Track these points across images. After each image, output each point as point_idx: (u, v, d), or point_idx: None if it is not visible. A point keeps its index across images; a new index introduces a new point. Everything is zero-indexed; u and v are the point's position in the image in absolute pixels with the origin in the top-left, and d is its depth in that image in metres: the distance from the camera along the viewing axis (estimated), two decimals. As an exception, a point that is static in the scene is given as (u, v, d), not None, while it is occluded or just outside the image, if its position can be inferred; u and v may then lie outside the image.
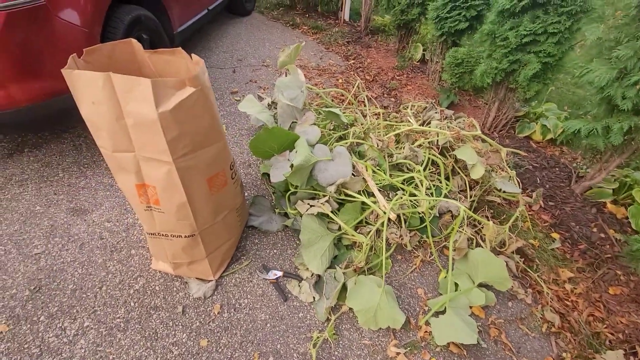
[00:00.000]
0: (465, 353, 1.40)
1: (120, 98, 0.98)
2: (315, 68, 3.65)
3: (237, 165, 1.44)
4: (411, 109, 2.15)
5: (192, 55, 1.14)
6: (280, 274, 1.58)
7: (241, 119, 2.66)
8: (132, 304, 1.41)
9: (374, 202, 1.59)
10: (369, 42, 4.34)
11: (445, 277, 1.62)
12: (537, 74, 2.15)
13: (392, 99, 3.20)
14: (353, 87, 3.26)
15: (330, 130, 2.03)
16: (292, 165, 1.45)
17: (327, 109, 1.85)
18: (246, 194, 2.00)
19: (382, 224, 1.53)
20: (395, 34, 3.87)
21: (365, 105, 2.19)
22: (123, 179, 1.18)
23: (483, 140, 1.88)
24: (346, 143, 1.78)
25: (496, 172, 1.83)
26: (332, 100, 2.73)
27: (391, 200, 1.60)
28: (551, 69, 2.14)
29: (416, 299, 1.58)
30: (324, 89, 3.15)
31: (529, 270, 1.72)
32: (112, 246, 1.62)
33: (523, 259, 1.75)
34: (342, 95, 2.99)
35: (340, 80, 3.41)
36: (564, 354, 1.44)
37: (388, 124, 2.03)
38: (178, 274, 1.50)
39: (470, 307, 1.54)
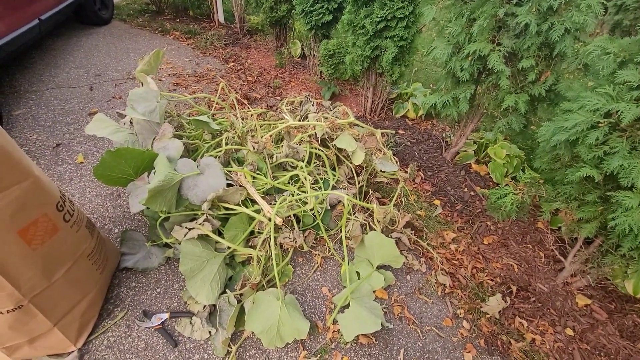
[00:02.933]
0: (374, 340, 1.39)
1: None
2: (192, 75, 3.36)
3: (72, 203, 1.16)
4: (287, 105, 2.09)
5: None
6: (165, 316, 1.35)
7: (104, 144, 2.26)
8: None
9: (258, 211, 1.48)
10: (248, 43, 4.20)
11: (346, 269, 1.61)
12: (396, 57, 2.30)
13: (278, 98, 3.13)
14: (239, 91, 3.09)
15: (205, 141, 1.84)
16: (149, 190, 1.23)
17: (193, 118, 1.66)
18: (117, 230, 1.68)
19: (271, 230, 1.42)
20: (271, 32, 3.81)
21: (235, 109, 2.05)
22: None
23: (359, 126, 1.93)
24: (220, 151, 1.62)
25: (375, 154, 1.89)
26: (210, 108, 2.52)
27: (276, 204, 1.50)
28: (407, 51, 2.32)
29: (322, 299, 1.53)
30: (193, 95, 2.91)
31: (419, 240, 1.82)
32: None
33: (413, 231, 1.85)
34: (224, 100, 2.80)
35: (220, 85, 3.20)
36: (458, 311, 1.56)
37: (266, 123, 1.93)
38: (19, 359, 1.15)
39: (374, 292, 1.55)
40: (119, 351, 1.25)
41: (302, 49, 3.84)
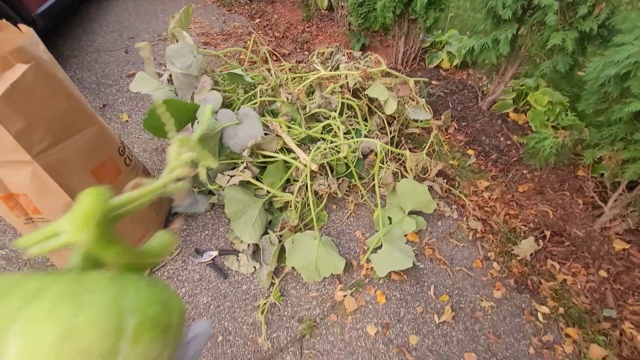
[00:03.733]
0: (405, 277, 1.48)
1: None
2: (220, 33, 3.36)
3: (130, 150, 1.28)
4: (318, 57, 2.07)
5: (20, 25, 0.93)
6: (215, 253, 1.51)
7: (145, 103, 2.39)
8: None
9: (294, 158, 1.55)
10: (273, -3, 4.07)
11: (379, 214, 1.68)
12: (431, 1, 2.17)
13: (306, 53, 3.08)
14: (250, 43, 3.07)
15: (239, 95, 1.90)
16: (195, 138, 1.33)
17: (228, 72, 1.71)
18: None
19: (308, 177, 1.50)
20: (297, -16, 3.67)
21: (268, 62, 2.07)
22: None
23: (391, 75, 1.89)
24: (255, 103, 1.68)
25: (408, 103, 1.87)
26: (241, 64, 2.54)
27: (311, 152, 1.56)
28: (443, -6, 2.17)
29: (355, 241, 1.62)
30: (232, 54, 2.93)
31: (451, 188, 1.84)
32: (16, 273, 1.40)
33: (445, 180, 1.86)
34: (251, 58, 2.80)
35: (248, 42, 3.18)
36: (489, 254, 1.60)
37: (297, 76, 1.94)
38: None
39: (406, 235, 1.62)
40: (178, 281, 1.43)
41: (329, 0, 3.68)
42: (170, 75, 2.09)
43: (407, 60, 2.73)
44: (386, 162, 1.78)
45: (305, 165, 1.49)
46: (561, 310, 1.39)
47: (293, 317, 1.34)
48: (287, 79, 1.88)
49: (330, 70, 1.94)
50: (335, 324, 1.33)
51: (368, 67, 1.86)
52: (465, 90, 2.51)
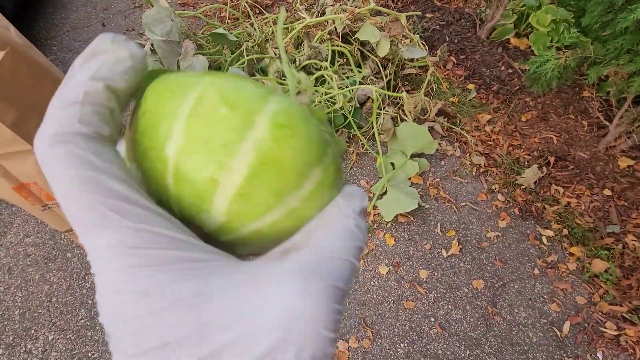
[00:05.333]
0: (412, 219, 1.53)
1: None
2: (196, -9, 3.14)
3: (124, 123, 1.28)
4: (301, 4, 1.95)
5: (-14, 11, 0.89)
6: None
7: (132, 78, 2.33)
8: (90, 301, 1.37)
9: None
10: (246, -59, 3.72)
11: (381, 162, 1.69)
12: None
13: (290, 1, 2.88)
14: (248, 3, 2.88)
15: (225, 56, 1.83)
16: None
17: (210, 32, 1.63)
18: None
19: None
20: None
21: (250, 17, 1.96)
22: (-4, 188, 1.02)
23: (381, 13, 1.78)
24: (243, 63, 1.62)
25: (402, 42, 1.78)
26: (222, 22, 2.41)
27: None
28: None
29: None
30: (212, 12, 2.77)
31: (453, 127, 1.81)
32: (44, 258, 1.50)
33: (446, 119, 1.83)
34: (233, 15, 2.65)
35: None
36: (493, 187, 1.62)
37: (282, 27, 1.85)
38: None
39: (409, 179, 1.65)
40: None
41: None
42: (152, 45, 2.02)
43: (397, -6, 2.54)
44: (384, 108, 1.75)
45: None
46: (565, 231, 1.44)
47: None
48: (272, 32, 1.79)
49: (317, 17, 1.83)
50: (349, 268, 1.41)
51: (356, 7, 1.75)
52: (463, 20, 2.36)
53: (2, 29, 0.82)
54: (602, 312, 1.27)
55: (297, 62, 1.65)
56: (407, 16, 1.75)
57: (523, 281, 1.34)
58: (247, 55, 1.65)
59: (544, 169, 1.59)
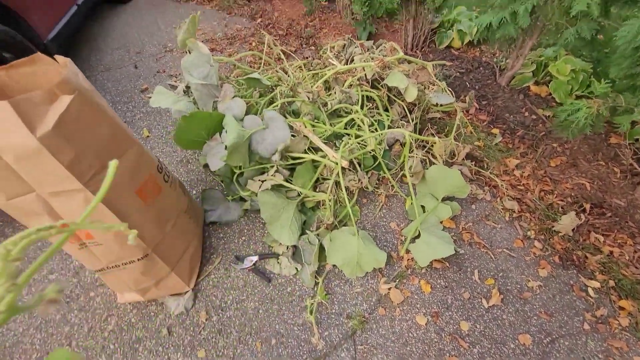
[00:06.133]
0: (448, 264, 1.48)
1: (-18, 135, 0.79)
2: (224, 37, 3.35)
3: (166, 166, 1.29)
4: (331, 51, 2.05)
5: (56, 56, 0.94)
6: (255, 258, 1.52)
7: (162, 117, 2.41)
8: (112, 346, 1.29)
9: (323, 156, 1.55)
10: (271, -5, 4.03)
11: (412, 203, 1.67)
12: (440, -20, 2.12)
13: (312, 48, 3.05)
14: (264, 46, 3.06)
15: (257, 98, 1.89)
16: (226, 146, 1.34)
17: (246, 77, 1.70)
18: (194, 191, 1.86)
19: (338, 174, 1.50)
20: (294, -22, 3.61)
21: (283, 62, 2.06)
22: (36, 224, 1.01)
23: (408, 62, 1.86)
24: (276, 106, 1.67)
25: (428, 88, 1.84)
26: (251, 67, 2.54)
27: (339, 148, 1.56)
28: (451, -29, 2.11)
29: (392, 233, 1.62)
30: (240, 58, 2.92)
31: (481, 170, 1.81)
32: (66, 297, 1.45)
33: (474, 162, 1.84)
34: (261, 59, 2.80)
35: (253, 44, 3.17)
36: (528, 233, 1.58)
37: (313, 73, 1.93)
38: (150, 299, 1.39)
39: (441, 222, 1.61)
40: (224, 289, 1.45)
41: (328, -10, 3.63)
42: (187, 87, 2.11)
43: (417, 44, 2.68)
44: (412, 151, 1.76)
45: (336, 163, 1.49)
46: (612, 283, 1.37)
47: (341, 314, 1.35)
48: (304, 77, 1.86)
49: (345, 64, 1.91)
50: (384, 317, 1.34)
51: (384, 56, 1.83)
52: (481, 68, 2.45)
53: (72, 75, 0.86)
54: (663, 375, 1.16)
55: (329, 106, 1.70)
56: (433, 65, 1.83)
57: (573, 337, 1.25)
58: (280, 99, 1.71)
59: (581, 216, 1.55)
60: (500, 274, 1.45)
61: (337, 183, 1.59)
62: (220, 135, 1.48)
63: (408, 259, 1.49)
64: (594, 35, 1.65)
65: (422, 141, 1.84)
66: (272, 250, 1.56)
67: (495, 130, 2.03)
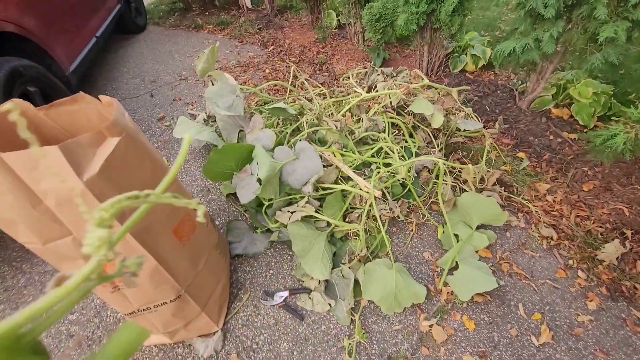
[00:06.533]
0: (490, 298, 1.41)
1: (27, 179, 0.75)
2: (237, 65, 3.40)
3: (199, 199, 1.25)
4: (352, 78, 2.06)
5: (101, 96, 0.92)
6: (286, 294, 1.45)
7: (180, 145, 2.40)
8: (137, 394, 1.21)
9: (354, 186, 1.51)
10: (281, 23, 4.13)
11: (444, 232, 1.61)
12: (456, 8, 2.15)
13: (325, 74, 3.09)
14: (287, 74, 3.10)
15: (281, 127, 1.88)
16: (259, 180, 1.30)
17: (271, 107, 1.69)
18: (217, 222, 1.81)
19: (371, 204, 1.45)
20: (305, 7, 3.71)
21: (304, 89, 2.06)
22: (70, 268, 0.96)
23: (433, 88, 1.86)
24: (303, 135, 1.65)
25: (453, 114, 1.83)
26: (269, 94, 2.55)
27: (370, 177, 1.52)
28: (467, 0, 2.15)
29: (426, 264, 1.55)
30: (254, 84, 2.95)
31: (512, 195, 1.76)
32: (88, 339, 1.37)
33: (503, 188, 1.79)
34: (276, 86, 2.82)
35: (267, 71, 3.22)
36: (569, 262, 1.51)
37: (336, 100, 1.93)
38: (177, 341, 1.32)
39: (477, 252, 1.55)
40: (254, 328, 1.37)
41: (338, 19, 3.72)
42: (208, 116, 2.10)
43: (432, 69, 2.70)
44: (441, 177, 1.72)
45: (368, 192, 1.45)
46: (667, 316, 1.29)
47: (382, 355, 1.27)
48: (330, 105, 1.86)
49: (368, 91, 1.91)
50: (428, 357, 1.25)
51: (407, 82, 1.83)
52: (499, 91, 2.46)
53: (120, 115, 0.83)
54: None
55: (357, 134, 1.68)
56: (458, 91, 1.82)
57: (635, 378, 1.17)
58: (308, 128, 1.69)
59: (627, 243, 1.49)
60: (546, 307, 1.37)
61: (375, 212, 1.55)
62: (250, 167, 1.45)
63: (447, 293, 1.42)
64: (620, 60, 1.64)
65: (450, 167, 1.80)
66: (302, 285, 1.49)
67: (522, 154, 2.00)
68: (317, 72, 3.13)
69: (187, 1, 4.85)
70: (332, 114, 1.82)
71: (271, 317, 1.41)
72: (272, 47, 3.65)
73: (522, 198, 1.75)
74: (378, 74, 1.95)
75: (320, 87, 2.18)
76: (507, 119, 2.21)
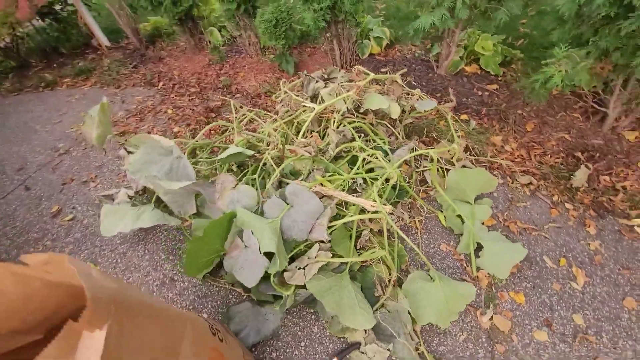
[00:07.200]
0: (519, 263, 1.41)
1: None
2: (128, 115, 2.82)
3: (212, 322, 0.92)
4: (296, 94, 1.83)
5: (24, 257, 0.54)
6: (335, 361, 1.22)
7: (105, 237, 1.85)
8: None
9: (358, 210, 1.34)
10: (158, 54, 3.60)
11: (445, 217, 1.58)
12: (356, -4, 2.11)
13: (238, 96, 2.78)
14: (194, 109, 2.68)
15: (239, 176, 1.57)
16: (267, 253, 1.03)
17: (224, 155, 1.38)
18: (204, 313, 1.43)
19: (388, 222, 1.31)
20: (182, 30, 3.27)
21: (259, 122, 1.77)
22: None
23: (377, 81, 1.78)
24: (275, 177, 1.40)
25: (406, 99, 1.79)
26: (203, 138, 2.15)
27: (365, 192, 1.37)
28: (364, -15, 2.13)
29: (448, 257, 1.49)
30: (175, 134, 2.49)
31: (479, 157, 1.83)
32: None
33: (467, 152, 1.85)
34: (220, 128, 2.42)
35: (169, 112, 2.75)
36: (554, 198, 1.63)
37: (287, 121, 1.70)
38: None
39: (483, 223, 1.55)
40: (321, 421, 1.12)
41: (222, 34, 3.40)
42: (137, 192, 1.65)
43: (345, 60, 2.65)
44: (421, 165, 1.68)
45: (378, 212, 1.29)
46: (646, 214, 1.49)
47: (466, 374, 1.16)
48: (283, 129, 1.61)
49: (318, 102, 1.74)
50: (508, 352, 1.19)
51: (350, 81, 1.72)
52: (414, 65, 2.55)
53: (85, 280, 0.49)
54: None
55: (330, 152, 1.50)
56: (399, 75, 1.78)
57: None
58: (274, 166, 1.44)
59: (588, 165, 1.67)
60: (563, 249, 1.44)
61: (397, 231, 1.40)
62: (241, 238, 1.14)
63: (485, 276, 1.38)
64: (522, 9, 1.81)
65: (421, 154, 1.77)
66: (348, 342, 1.27)
67: (464, 116, 2.09)
68: (229, 96, 2.80)
69: (19, 56, 3.83)
70: (292, 139, 1.59)
71: (332, 397, 1.16)
72: (161, 83, 3.13)
73: (489, 157, 1.82)
74: (316, 82, 1.78)
75: (269, 114, 1.91)
76: (436, 88, 2.30)
